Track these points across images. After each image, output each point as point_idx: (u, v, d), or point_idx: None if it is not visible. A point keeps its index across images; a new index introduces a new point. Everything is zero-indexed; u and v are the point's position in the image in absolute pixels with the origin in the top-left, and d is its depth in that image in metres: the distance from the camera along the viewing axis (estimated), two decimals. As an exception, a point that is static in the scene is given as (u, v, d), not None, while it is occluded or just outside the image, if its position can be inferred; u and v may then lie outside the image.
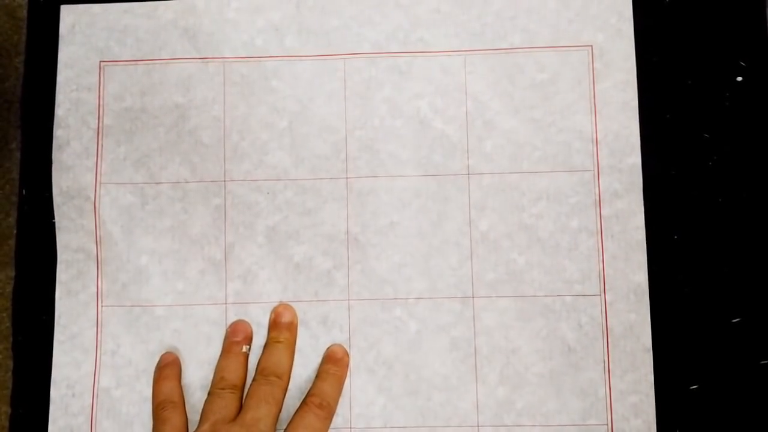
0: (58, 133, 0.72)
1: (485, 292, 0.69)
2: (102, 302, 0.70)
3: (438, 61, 0.71)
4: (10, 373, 0.71)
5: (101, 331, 0.70)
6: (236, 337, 0.69)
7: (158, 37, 0.73)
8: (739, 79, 0.71)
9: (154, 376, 0.69)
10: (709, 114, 0.71)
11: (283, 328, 0.69)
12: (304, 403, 0.67)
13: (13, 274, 0.71)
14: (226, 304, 0.70)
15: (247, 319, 0.70)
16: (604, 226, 0.69)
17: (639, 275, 0.68)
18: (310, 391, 0.68)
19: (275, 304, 0.70)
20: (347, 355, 0.69)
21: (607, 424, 0.67)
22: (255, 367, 0.69)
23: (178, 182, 0.71)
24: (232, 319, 0.70)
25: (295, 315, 0.70)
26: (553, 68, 0.71)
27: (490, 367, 0.69)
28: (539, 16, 0.71)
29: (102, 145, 0.71)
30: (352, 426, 0.69)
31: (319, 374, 0.69)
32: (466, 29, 0.72)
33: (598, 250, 0.69)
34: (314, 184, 0.71)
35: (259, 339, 0.70)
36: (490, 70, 0.71)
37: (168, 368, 0.69)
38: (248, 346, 0.69)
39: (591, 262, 0.69)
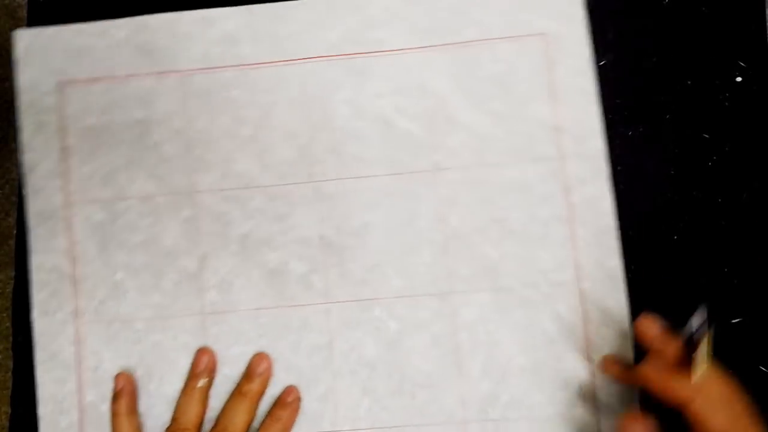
0: (27, 156, 0.71)
1: (462, 288, 0.69)
2: (80, 320, 0.70)
3: (395, 60, 0.71)
4: (10, 373, 0.71)
5: (82, 349, 0.70)
6: (196, 368, 0.69)
7: (114, 55, 0.72)
8: (739, 79, 0.71)
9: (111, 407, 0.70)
10: (708, 114, 0.71)
11: (254, 378, 0.69)
12: None
13: (13, 274, 0.72)
14: (203, 314, 0.70)
15: (227, 327, 0.70)
16: (575, 213, 0.69)
17: (612, 260, 0.68)
18: None
19: (253, 312, 0.70)
20: (298, 399, 0.69)
21: (593, 412, 0.67)
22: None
23: (147, 196, 0.71)
24: (210, 329, 0.70)
25: (270, 366, 0.70)
26: (510, 59, 0.71)
27: (473, 362, 0.69)
28: (492, 8, 0.71)
29: (69, 165, 0.71)
30: (339, 429, 0.69)
31: (264, 421, 0.69)
32: (421, 26, 0.71)
33: (571, 238, 0.69)
34: (283, 190, 0.70)
35: (238, 346, 0.70)
36: (448, 65, 0.71)
37: (117, 403, 0.69)
38: (206, 380, 0.69)
39: (564, 250, 0.69)
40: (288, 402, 0.69)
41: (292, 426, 0.69)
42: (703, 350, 0.59)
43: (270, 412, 0.69)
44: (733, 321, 0.69)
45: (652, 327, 0.63)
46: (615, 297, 0.68)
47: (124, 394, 0.69)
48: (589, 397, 0.68)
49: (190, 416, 0.68)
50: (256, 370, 0.69)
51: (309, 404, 0.69)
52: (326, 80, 0.71)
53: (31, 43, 0.73)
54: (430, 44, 0.71)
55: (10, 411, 0.71)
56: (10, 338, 0.72)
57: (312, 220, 0.70)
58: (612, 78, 0.71)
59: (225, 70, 0.72)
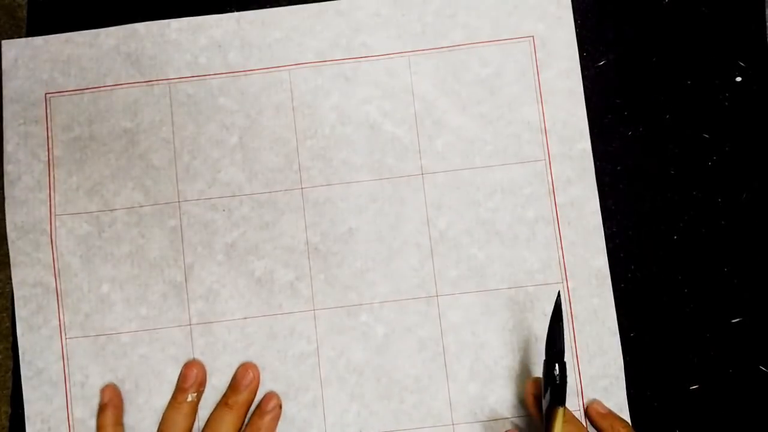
0: (9, 168, 0.71)
1: (449, 290, 0.69)
2: (66, 334, 0.70)
3: (382, 65, 0.71)
4: (9, 373, 0.70)
5: (68, 364, 0.70)
6: (185, 383, 0.69)
7: (102, 65, 0.72)
8: (739, 79, 0.71)
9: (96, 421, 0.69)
10: (708, 114, 0.71)
11: (241, 390, 0.68)
12: None
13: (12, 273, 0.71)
14: (190, 325, 0.70)
15: (213, 337, 0.70)
16: (560, 213, 0.69)
17: (599, 260, 0.69)
18: None
19: (240, 321, 0.70)
20: (279, 406, 0.69)
21: (580, 410, 0.67)
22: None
23: (133, 207, 0.71)
24: (197, 339, 0.69)
25: (257, 377, 0.69)
26: (497, 62, 0.71)
27: (460, 365, 0.69)
28: (479, 12, 0.72)
29: (54, 177, 0.71)
30: (328, 436, 0.68)
31: (244, 430, 0.68)
32: (408, 30, 0.72)
33: (557, 238, 0.69)
34: (270, 197, 0.70)
35: (226, 356, 0.70)
36: (435, 69, 0.71)
37: (103, 415, 0.69)
38: (195, 394, 0.69)
39: (550, 251, 0.69)
40: (267, 410, 0.68)
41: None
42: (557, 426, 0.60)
43: (250, 422, 0.68)
44: (733, 321, 0.69)
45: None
46: (602, 296, 0.69)
47: (110, 406, 0.68)
48: (575, 396, 0.68)
49: (179, 428, 0.68)
50: (242, 382, 0.69)
51: (298, 412, 0.69)
52: (314, 87, 0.72)
53: (19, 54, 0.73)
54: (417, 48, 0.72)
55: (10, 411, 0.70)
56: (10, 338, 0.71)
57: (298, 227, 0.70)
58: (612, 78, 0.72)
59: (213, 78, 0.72)
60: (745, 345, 0.68)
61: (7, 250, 0.70)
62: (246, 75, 0.72)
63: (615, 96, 0.70)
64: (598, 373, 0.68)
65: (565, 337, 0.66)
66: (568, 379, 0.61)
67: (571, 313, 0.68)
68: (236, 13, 0.72)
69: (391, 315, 0.69)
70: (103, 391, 0.69)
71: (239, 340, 0.69)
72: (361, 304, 0.69)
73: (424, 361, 0.69)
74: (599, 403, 0.66)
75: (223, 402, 0.68)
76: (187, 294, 0.70)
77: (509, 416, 0.68)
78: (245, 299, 0.70)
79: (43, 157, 0.71)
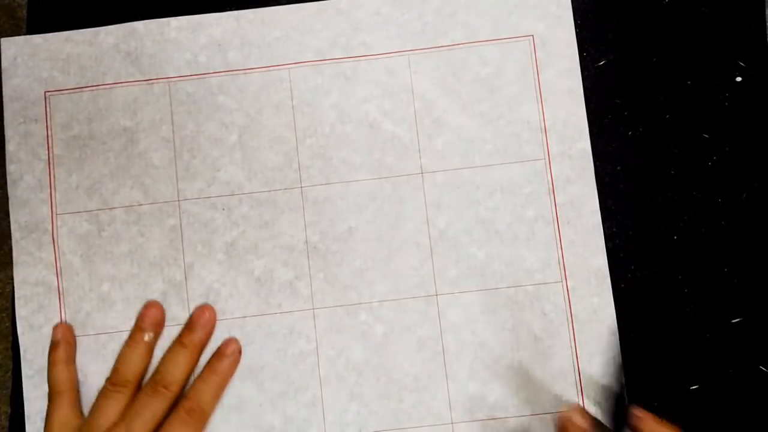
0: (11, 168, 0.71)
1: (448, 289, 0.69)
2: (67, 334, 0.69)
3: (382, 64, 0.71)
4: (9, 374, 0.70)
5: (69, 363, 0.69)
6: (142, 322, 0.69)
7: (101, 63, 0.72)
8: (739, 79, 0.71)
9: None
10: (708, 114, 0.71)
11: (196, 329, 0.69)
12: (175, 407, 0.66)
13: (12, 274, 0.71)
14: (190, 324, 0.69)
15: (213, 336, 0.70)
16: (560, 213, 0.69)
17: (598, 259, 0.69)
18: (185, 391, 0.67)
19: (239, 320, 0.70)
20: (239, 351, 0.69)
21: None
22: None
23: (132, 206, 0.71)
24: (197, 338, 0.69)
25: (213, 317, 0.69)
26: (497, 61, 0.71)
27: (459, 364, 0.69)
28: (479, 11, 0.72)
29: (54, 176, 0.71)
30: (327, 435, 0.68)
31: (201, 372, 0.68)
32: (408, 29, 0.72)
33: (556, 238, 0.69)
34: (269, 196, 0.70)
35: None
36: (435, 68, 0.71)
37: (55, 351, 0.69)
38: (152, 334, 0.69)
39: (550, 250, 0.69)
40: (227, 354, 0.68)
41: (230, 379, 0.69)
42: None
43: (208, 363, 0.68)
44: (733, 321, 0.69)
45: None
46: (601, 296, 0.69)
47: (63, 343, 0.69)
48: (575, 395, 0.68)
49: (133, 368, 0.68)
50: (198, 321, 0.69)
51: (297, 411, 0.69)
52: (314, 85, 0.72)
53: (18, 52, 0.73)
54: (417, 47, 0.72)
55: (9, 411, 0.70)
56: (10, 338, 0.71)
57: (298, 225, 0.70)
58: (612, 78, 0.71)
59: (212, 77, 0.72)
60: (745, 345, 0.68)
61: (7, 250, 0.70)
62: (246, 74, 0.72)
63: (615, 96, 0.70)
64: (598, 373, 0.68)
65: (575, 335, 0.67)
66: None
67: (571, 312, 0.68)
68: (236, 12, 0.72)
69: (390, 314, 0.69)
70: (55, 328, 0.69)
71: (239, 339, 0.69)
72: (360, 303, 0.69)
73: (424, 360, 0.69)
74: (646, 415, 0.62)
75: (178, 341, 0.68)
76: (187, 293, 0.70)
77: (508, 415, 0.67)
78: (245, 298, 0.70)
79: (44, 155, 0.71)
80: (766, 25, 0.71)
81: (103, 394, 0.67)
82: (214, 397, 0.67)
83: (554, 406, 0.68)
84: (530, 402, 0.68)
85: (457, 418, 0.68)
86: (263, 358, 0.69)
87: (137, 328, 0.69)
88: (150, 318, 0.69)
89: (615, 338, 0.68)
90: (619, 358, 0.68)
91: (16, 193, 0.71)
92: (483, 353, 0.68)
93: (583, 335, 0.68)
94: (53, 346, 0.69)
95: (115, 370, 0.68)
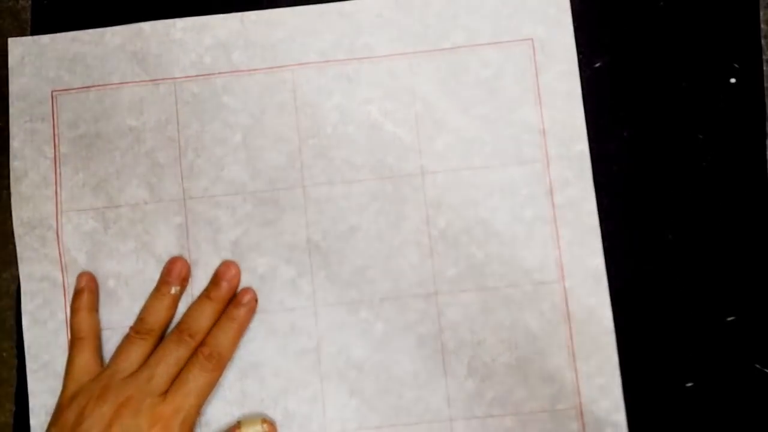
0: (15, 164, 0.72)
1: (448, 288, 0.70)
2: (72, 329, 0.70)
3: (384, 66, 0.72)
4: (14, 371, 0.71)
5: (73, 358, 0.70)
6: (169, 276, 0.70)
7: (107, 63, 0.73)
8: (733, 80, 0.72)
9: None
10: (703, 115, 0.72)
11: (222, 284, 0.70)
12: (194, 353, 0.68)
13: (15, 273, 0.72)
14: (194, 320, 0.70)
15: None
16: (558, 214, 0.70)
17: (595, 260, 0.70)
18: (204, 338, 0.68)
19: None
20: (255, 300, 0.70)
21: (575, 408, 0.68)
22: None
23: (138, 204, 0.71)
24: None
25: (238, 273, 0.71)
26: (497, 64, 0.72)
27: (458, 361, 0.69)
28: (479, 14, 0.72)
29: (60, 174, 0.72)
30: (327, 431, 0.69)
31: (219, 321, 0.69)
32: (409, 32, 0.73)
33: (554, 238, 0.70)
34: (272, 195, 0.71)
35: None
36: (436, 70, 0.72)
37: (78, 299, 0.70)
38: (178, 288, 0.70)
39: (548, 251, 0.70)
40: (243, 302, 0.69)
41: (247, 327, 0.70)
42: None
43: (226, 312, 0.69)
44: (728, 319, 0.69)
45: None
46: (598, 295, 0.69)
47: (86, 290, 0.70)
48: (571, 393, 0.69)
49: (158, 318, 0.69)
50: (224, 277, 0.70)
51: (298, 407, 0.70)
52: (316, 87, 0.72)
53: (25, 52, 0.73)
54: (418, 50, 0.73)
55: (14, 408, 0.71)
56: (14, 336, 0.72)
57: (300, 224, 0.71)
58: (608, 80, 0.72)
59: (217, 77, 0.73)
60: (741, 343, 0.69)
61: (11, 250, 0.71)
62: (250, 74, 0.72)
63: (611, 97, 0.71)
64: (594, 372, 0.68)
65: (572, 334, 0.67)
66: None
67: (568, 312, 0.69)
68: (240, 14, 0.73)
69: (390, 312, 0.70)
70: (79, 276, 0.71)
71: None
72: (361, 301, 0.70)
73: (423, 357, 0.69)
74: None
75: (205, 295, 0.70)
76: (192, 290, 0.70)
77: (506, 413, 0.68)
78: (248, 295, 0.70)
79: (50, 154, 0.72)
80: (760, 27, 0.71)
81: (127, 340, 0.69)
82: (232, 344, 0.69)
83: (551, 404, 0.68)
84: (527, 400, 0.69)
85: (455, 414, 0.69)
86: (265, 354, 0.70)
87: (163, 282, 0.70)
88: (176, 272, 0.70)
89: (611, 338, 0.68)
90: (615, 358, 0.68)
91: (19, 189, 0.72)
92: (481, 351, 0.69)
93: (580, 335, 0.69)
94: (77, 294, 0.70)
95: (140, 319, 0.69)
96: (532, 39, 0.72)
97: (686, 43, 0.72)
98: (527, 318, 0.69)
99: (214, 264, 0.71)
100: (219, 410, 0.70)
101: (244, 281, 0.71)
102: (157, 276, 0.71)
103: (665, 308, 0.69)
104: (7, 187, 0.71)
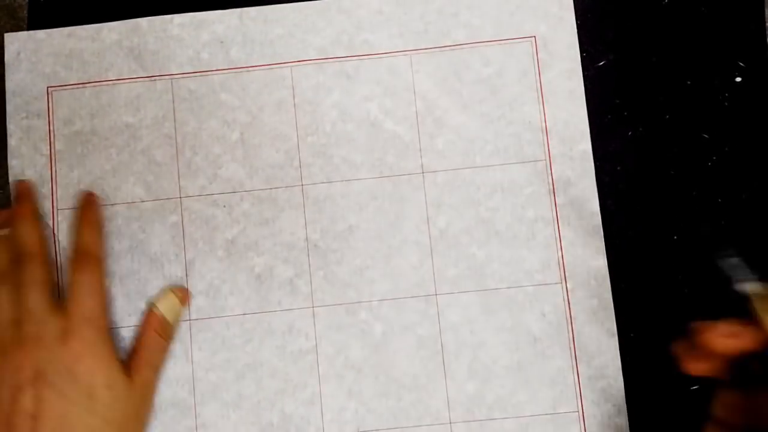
0: (13, 163, 0.71)
1: (448, 289, 0.69)
2: (67, 329, 0.70)
3: (384, 63, 0.72)
4: None
5: (68, 358, 0.69)
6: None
7: (104, 59, 0.72)
8: (738, 79, 0.71)
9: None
10: (708, 114, 0.71)
11: (22, 200, 0.70)
12: (69, 261, 0.67)
13: None
14: (189, 320, 0.70)
15: (212, 333, 0.70)
16: (560, 214, 0.69)
17: (598, 260, 0.69)
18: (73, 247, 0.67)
19: (239, 318, 0.70)
20: (93, 194, 0.70)
21: (577, 411, 0.68)
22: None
23: (134, 202, 0.71)
24: (196, 335, 0.70)
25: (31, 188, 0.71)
26: (499, 61, 0.71)
27: (458, 363, 0.69)
28: (481, 11, 0.72)
29: (55, 171, 0.71)
30: (325, 433, 0.68)
31: (76, 227, 0.68)
32: (410, 29, 0.72)
33: (556, 239, 0.69)
34: (270, 194, 0.70)
35: (224, 352, 0.70)
36: (437, 68, 0.71)
37: (20, 204, 0.69)
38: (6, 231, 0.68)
39: (550, 251, 0.69)
40: (87, 203, 0.70)
41: (102, 221, 0.71)
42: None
43: (78, 217, 0.70)
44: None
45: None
46: (601, 297, 0.69)
47: (27, 197, 0.70)
48: (573, 396, 0.68)
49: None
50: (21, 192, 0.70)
51: (296, 409, 0.69)
52: (315, 84, 0.72)
53: (21, 47, 0.73)
54: (419, 47, 0.72)
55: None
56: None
57: (298, 223, 0.71)
58: (612, 78, 0.72)
59: (214, 74, 0.72)
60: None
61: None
62: (248, 71, 0.72)
63: (615, 96, 0.71)
64: (597, 374, 0.68)
65: (574, 336, 0.66)
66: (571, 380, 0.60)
67: (570, 313, 0.68)
68: (239, 9, 0.72)
69: (389, 313, 0.69)
70: (18, 183, 0.71)
71: (238, 336, 0.70)
72: (360, 302, 0.70)
73: (423, 359, 0.69)
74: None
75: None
76: (188, 289, 0.70)
77: (506, 416, 0.68)
78: (244, 295, 0.70)
79: (45, 151, 0.71)
80: (765, 25, 0.71)
81: None
82: (97, 237, 0.68)
83: (552, 407, 0.68)
84: (528, 403, 0.68)
85: (455, 417, 0.68)
86: (262, 355, 0.70)
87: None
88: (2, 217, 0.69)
89: (614, 340, 0.67)
90: (618, 360, 0.68)
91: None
92: (482, 353, 0.69)
93: (582, 336, 0.68)
94: (17, 198, 0.70)
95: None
96: (534, 37, 0.72)
97: (691, 41, 0.72)
98: (528, 320, 0.69)
99: (210, 264, 0.70)
100: (215, 412, 0.69)
101: (242, 281, 0.70)
102: (151, 276, 0.71)
103: (669, 310, 0.68)
104: (5, 186, 0.71)
